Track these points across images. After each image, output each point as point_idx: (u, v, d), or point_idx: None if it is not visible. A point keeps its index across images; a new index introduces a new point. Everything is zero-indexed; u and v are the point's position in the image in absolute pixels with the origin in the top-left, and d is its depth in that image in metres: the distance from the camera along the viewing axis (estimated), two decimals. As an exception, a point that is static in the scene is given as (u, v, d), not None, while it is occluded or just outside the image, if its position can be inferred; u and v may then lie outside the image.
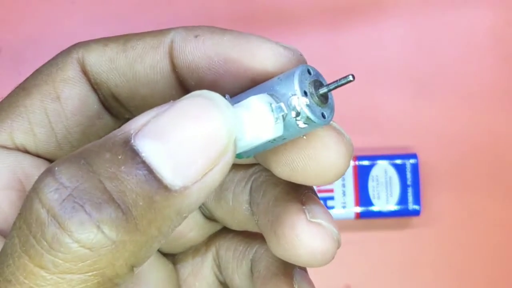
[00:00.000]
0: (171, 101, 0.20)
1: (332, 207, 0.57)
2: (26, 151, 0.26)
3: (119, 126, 0.22)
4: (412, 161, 0.58)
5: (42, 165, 0.26)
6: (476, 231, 0.60)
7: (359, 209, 0.57)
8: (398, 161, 0.58)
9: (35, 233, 0.19)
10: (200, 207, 0.28)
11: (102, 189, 0.19)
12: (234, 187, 0.27)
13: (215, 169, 0.20)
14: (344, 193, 0.57)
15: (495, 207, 0.60)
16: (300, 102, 0.21)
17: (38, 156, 0.26)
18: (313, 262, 0.23)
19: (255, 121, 0.21)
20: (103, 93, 0.25)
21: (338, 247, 0.24)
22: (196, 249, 0.29)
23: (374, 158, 0.58)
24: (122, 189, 0.19)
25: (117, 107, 0.26)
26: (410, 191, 0.58)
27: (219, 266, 0.29)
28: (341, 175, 0.23)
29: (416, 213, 0.58)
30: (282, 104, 0.21)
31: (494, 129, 0.60)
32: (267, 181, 0.25)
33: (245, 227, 0.27)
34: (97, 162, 0.19)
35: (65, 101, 0.25)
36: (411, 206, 0.57)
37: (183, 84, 0.25)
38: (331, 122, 0.23)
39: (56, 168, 0.19)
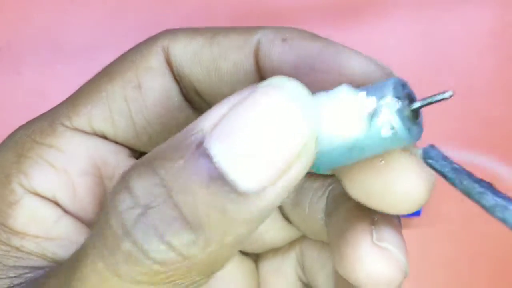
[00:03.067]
0: (245, 88, 0.19)
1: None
2: (104, 137, 0.25)
3: None
4: (412, 161, 0.58)
5: (120, 152, 0.26)
6: (477, 231, 0.60)
7: (359, 209, 0.57)
8: (398, 161, 0.58)
9: (111, 246, 0.19)
10: (281, 209, 0.27)
11: (173, 205, 0.19)
12: (312, 195, 0.26)
13: (292, 170, 0.19)
14: (344, 193, 0.57)
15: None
16: (391, 106, 0.19)
17: (116, 142, 0.26)
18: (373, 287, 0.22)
19: (339, 111, 0.19)
20: (185, 86, 0.25)
21: (404, 277, 0.22)
22: (278, 248, 0.28)
23: (374, 158, 0.58)
24: (195, 203, 0.18)
25: (199, 101, 0.25)
26: (410, 191, 0.57)
27: (302, 266, 0.28)
28: (419, 206, 0.22)
29: (416, 213, 0.57)
30: (373, 99, 0.19)
31: (494, 128, 0.60)
32: (343, 192, 0.24)
33: (320, 237, 0.26)
34: (170, 174, 0.19)
35: (146, 91, 0.25)
36: (411, 206, 0.57)
37: None
38: (414, 149, 0.21)
39: (131, 184, 0.19)
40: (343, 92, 0.19)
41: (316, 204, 0.25)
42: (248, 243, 0.28)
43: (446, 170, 0.19)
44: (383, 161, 0.21)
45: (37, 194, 0.24)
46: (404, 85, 0.20)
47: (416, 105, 0.20)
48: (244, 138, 0.18)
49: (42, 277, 0.22)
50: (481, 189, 0.19)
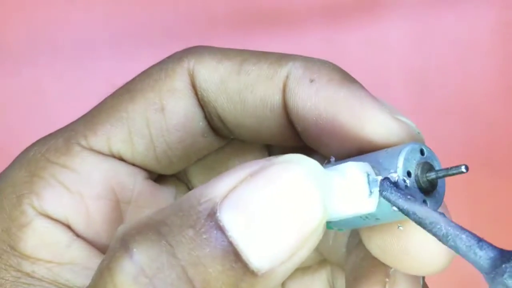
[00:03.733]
0: (259, 160, 0.18)
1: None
2: (122, 159, 0.24)
3: (223, 147, 0.19)
4: (412, 161, 0.58)
5: (137, 174, 0.24)
6: (477, 231, 0.59)
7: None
8: (399, 161, 0.58)
9: None
10: None
11: (186, 279, 0.17)
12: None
13: (304, 248, 0.18)
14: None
15: (496, 207, 0.60)
16: (399, 183, 0.19)
17: (133, 164, 0.24)
18: None
19: (347, 190, 0.19)
20: (209, 112, 0.24)
21: None
22: (307, 267, 0.28)
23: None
24: (207, 278, 0.17)
25: (222, 128, 0.24)
26: (410, 191, 0.57)
27: (333, 286, 0.27)
28: (440, 271, 0.21)
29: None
30: (379, 178, 0.19)
31: (495, 128, 0.60)
32: None
33: (344, 267, 0.25)
34: (180, 243, 0.17)
35: (169, 114, 0.24)
36: (412, 206, 0.57)
37: (293, 124, 0.23)
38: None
39: (135, 249, 0.18)
40: (351, 171, 0.19)
41: (340, 238, 0.25)
42: None
43: (400, 201, 0.19)
44: (401, 227, 0.21)
45: (48, 217, 0.23)
46: (423, 150, 0.20)
47: (431, 175, 0.20)
48: (261, 213, 0.18)
49: None
50: (433, 219, 0.18)
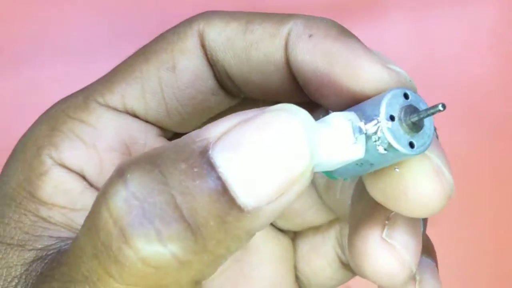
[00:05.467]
0: (256, 109, 0.20)
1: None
2: (136, 116, 0.26)
3: (233, 106, 0.21)
4: (412, 161, 0.58)
5: (149, 131, 0.26)
6: (477, 231, 0.60)
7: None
8: (399, 161, 0.58)
9: (103, 241, 0.19)
10: (316, 189, 0.27)
11: (174, 204, 0.18)
12: (343, 181, 0.26)
13: (291, 191, 0.19)
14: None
15: (496, 207, 0.60)
16: (381, 126, 0.20)
17: (146, 121, 0.26)
18: (378, 282, 0.23)
19: (333, 139, 0.20)
20: (218, 70, 0.25)
21: (409, 275, 0.22)
22: (317, 227, 0.29)
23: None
24: (194, 206, 0.18)
25: (232, 86, 0.25)
26: (410, 191, 0.57)
27: (342, 246, 0.28)
28: (435, 212, 0.22)
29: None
30: (361, 124, 0.20)
31: (495, 128, 0.60)
32: None
33: None
34: (172, 173, 0.19)
35: (180, 73, 0.25)
36: (412, 206, 0.57)
37: (295, 79, 0.24)
38: (430, 155, 0.21)
39: (129, 176, 0.19)
40: (336, 121, 0.20)
41: (346, 190, 0.26)
42: (285, 220, 0.28)
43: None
44: (397, 169, 0.21)
45: (65, 167, 0.25)
46: (407, 94, 0.21)
47: (414, 117, 0.20)
48: (251, 153, 0.18)
49: (61, 257, 0.22)
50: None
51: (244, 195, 0.19)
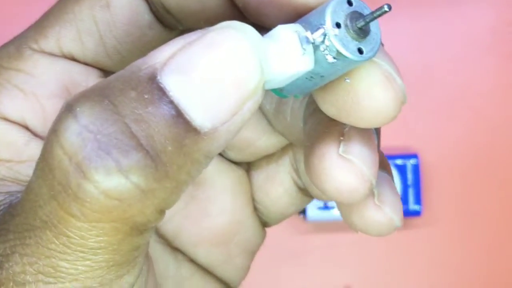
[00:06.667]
0: (199, 30, 0.19)
1: (332, 207, 0.57)
2: (74, 59, 0.25)
3: (172, 39, 0.20)
4: (412, 161, 0.58)
5: (90, 73, 0.25)
6: (477, 231, 0.60)
7: (359, 209, 0.57)
8: (399, 161, 0.58)
9: (60, 180, 0.18)
10: (265, 116, 0.27)
11: (129, 133, 0.18)
12: (292, 102, 0.25)
13: (245, 108, 0.19)
14: (344, 193, 0.57)
15: (496, 207, 0.60)
16: (328, 33, 0.19)
17: (85, 64, 0.25)
18: (340, 199, 0.22)
19: (281, 52, 0.19)
20: (154, 3, 0.24)
21: (369, 188, 0.22)
22: (270, 155, 0.28)
23: (374, 158, 0.58)
24: (150, 133, 0.18)
25: (169, 19, 0.24)
26: (410, 192, 0.57)
27: (297, 171, 0.28)
28: (390, 120, 0.21)
29: (416, 213, 0.57)
30: (308, 34, 0.20)
31: (495, 128, 0.60)
32: None
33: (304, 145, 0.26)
34: (122, 102, 0.18)
35: (114, 10, 0.24)
36: (412, 206, 0.57)
37: (234, 3, 0.23)
38: (379, 62, 0.21)
39: (78, 109, 0.18)
40: (282, 33, 0.20)
41: (297, 112, 0.25)
42: (238, 151, 0.28)
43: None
44: (348, 80, 0.21)
45: (5, 119, 0.24)
46: (350, 1, 0.20)
47: (360, 22, 0.20)
48: (201, 74, 0.18)
49: (13, 209, 0.21)
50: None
51: (198, 117, 0.18)
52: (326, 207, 0.57)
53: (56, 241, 0.19)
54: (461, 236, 0.59)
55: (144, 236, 0.19)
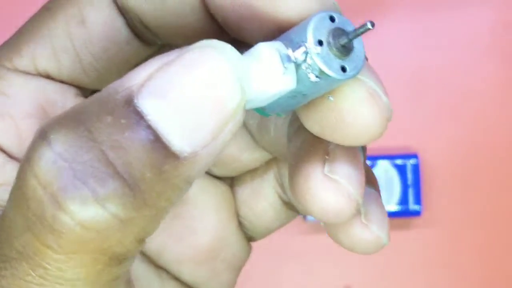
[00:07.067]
0: (177, 49, 0.18)
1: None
2: (49, 77, 0.24)
3: (151, 54, 0.19)
4: (412, 161, 0.58)
5: (66, 91, 0.24)
6: (477, 231, 0.60)
7: (359, 209, 0.57)
8: (399, 161, 0.58)
9: (35, 211, 0.17)
10: (249, 131, 0.26)
11: (106, 161, 0.17)
12: (276, 118, 0.25)
13: (226, 130, 0.18)
14: (344, 193, 0.57)
15: (496, 207, 0.60)
16: (310, 51, 0.19)
17: (61, 82, 0.24)
18: (325, 219, 0.21)
19: (262, 71, 0.19)
20: (131, 18, 0.24)
21: (356, 208, 0.21)
22: (254, 170, 0.27)
23: (374, 158, 0.58)
24: (128, 159, 0.17)
25: (147, 34, 0.24)
26: (410, 192, 0.57)
27: (282, 185, 0.27)
28: (376, 137, 0.21)
29: (416, 213, 0.57)
30: (289, 52, 0.19)
31: (495, 128, 0.60)
32: None
33: (288, 161, 0.25)
34: (98, 128, 0.17)
35: (90, 26, 0.23)
36: (412, 206, 0.57)
37: (213, 18, 0.22)
38: (363, 79, 0.20)
39: (52, 136, 0.17)
40: (263, 52, 0.19)
41: (280, 128, 0.24)
42: (221, 167, 0.27)
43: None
44: (331, 97, 0.20)
45: None
46: (332, 17, 0.19)
47: (343, 40, 0.19)
48: (179, 97, 0.17)
49: None
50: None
51: (177, 141, 0.17)
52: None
53: (33, 273, 0.18)
54: (461, 236, 0.59)
55: (123, 265, 0.19)
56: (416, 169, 0.58)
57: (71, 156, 0.17)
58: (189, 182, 0.18)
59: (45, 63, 0.24)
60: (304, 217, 0.58)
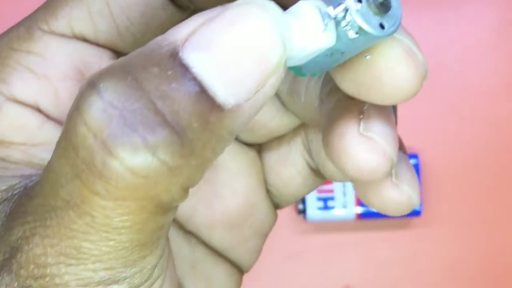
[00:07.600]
0: (219, 6, 0.18)
1: (332, 207, 0.57)
2: (85, 40, 0.24)
3: (185, 19, 0.20)
4: (412, 161, 0.58)
5: (102, 54, 0.24)
6: (477, 231, 0.60)
7: (359, 209, 0.57)
8: (399, 161, 0.58)
9: (84, 158, 0.18)
10: (278, 96, 0.26)
11: (155, 109, 0.17)
12: (307, 82, 0.25)
13: (268, 84, 0.18)
14: (344, 194, 0.57)
15: (496, 207, 0.60)
16: (350, 8, 0.19)
17: (97, 45, 0.24)
18: (361, 177, 0.21)
19: (303, 28, 0.19)
20: None
21: (391, 166, 0.21)
22: (282, 136, 0.28)
23: (374, 158, 0.58)
24: (175, 109, 0.17)
25: None
26: (410, 192, 0.57)
27: (309, 152, 0.27)
28: (411, 95, 0.21)
29: (416, 213, 0.57)
30: (329, 9, 0.19)
31: (495, 129, 0.60)
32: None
33: (318, 125, 0.25)
34: (146, 79, 0.17)
35: None
36: (412, 206, 0.57)
37: None
38: (400, 37, 0.21)
39: (102, 85, 0.18)
40: (304, 9, 0.19)
41: (312, 92, 0.24)
42: (250, 133, 0.27)
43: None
44: (368, 56, 0.20)
45: (18, 101, 0.23)
46: None
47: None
48: (224, 50, 0.18)
49: (30, 191, 0.21)
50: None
51: (222, 93, 0.18)
52: (326, 207, 0.57)
53: (79, 221, 0.18)
54: (461, 236, 0.59)
55: (168, 215, 0.19)
56: (416, 169, 0.58)
57: (121, 104, 0.17)
58: (232, 134, 0.19)
59: (81, 26, 0.24)
60: (304, 217, 0.58)
